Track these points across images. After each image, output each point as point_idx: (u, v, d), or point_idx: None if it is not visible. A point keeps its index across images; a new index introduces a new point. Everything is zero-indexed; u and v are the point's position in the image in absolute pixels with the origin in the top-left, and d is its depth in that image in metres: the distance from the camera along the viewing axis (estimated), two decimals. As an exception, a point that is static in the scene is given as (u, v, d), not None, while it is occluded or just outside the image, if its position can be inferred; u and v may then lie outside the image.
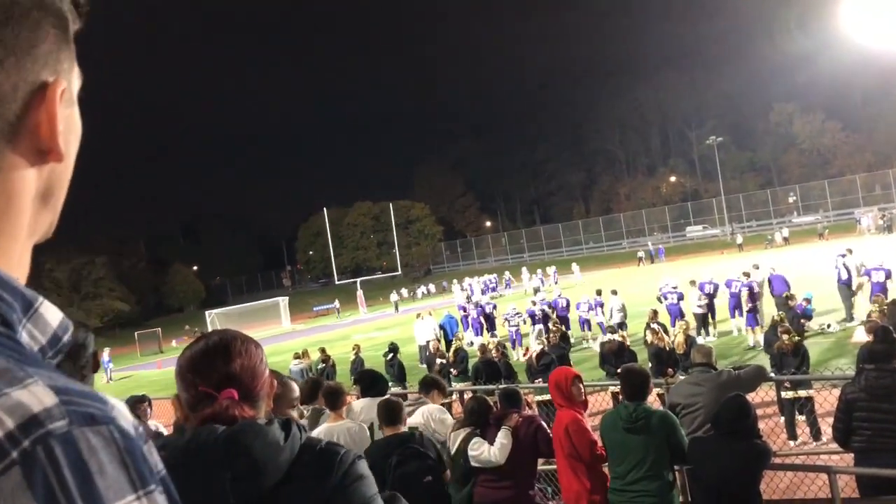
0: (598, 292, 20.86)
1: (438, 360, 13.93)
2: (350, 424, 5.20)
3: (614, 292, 20.25)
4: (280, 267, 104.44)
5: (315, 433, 5.16)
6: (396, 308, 48.47)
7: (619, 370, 5.73)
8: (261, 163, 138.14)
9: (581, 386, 5.23)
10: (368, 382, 6.38)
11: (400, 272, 66.51)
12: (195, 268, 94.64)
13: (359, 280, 56.95)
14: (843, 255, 17.72)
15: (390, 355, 15.38)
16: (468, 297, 33.24)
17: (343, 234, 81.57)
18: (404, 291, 54.01)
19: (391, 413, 4.82)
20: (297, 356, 16.47)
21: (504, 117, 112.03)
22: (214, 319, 50.51)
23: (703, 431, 5.30)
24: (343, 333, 36.48)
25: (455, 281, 49.18)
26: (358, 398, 6.49)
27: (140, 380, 32.32)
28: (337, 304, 53.93)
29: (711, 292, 18.04)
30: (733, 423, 4.50)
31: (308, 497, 1.53)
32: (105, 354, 34.24)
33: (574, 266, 49.69)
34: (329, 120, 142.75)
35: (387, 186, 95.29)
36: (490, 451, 5.02)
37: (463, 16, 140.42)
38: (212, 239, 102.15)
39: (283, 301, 54.94)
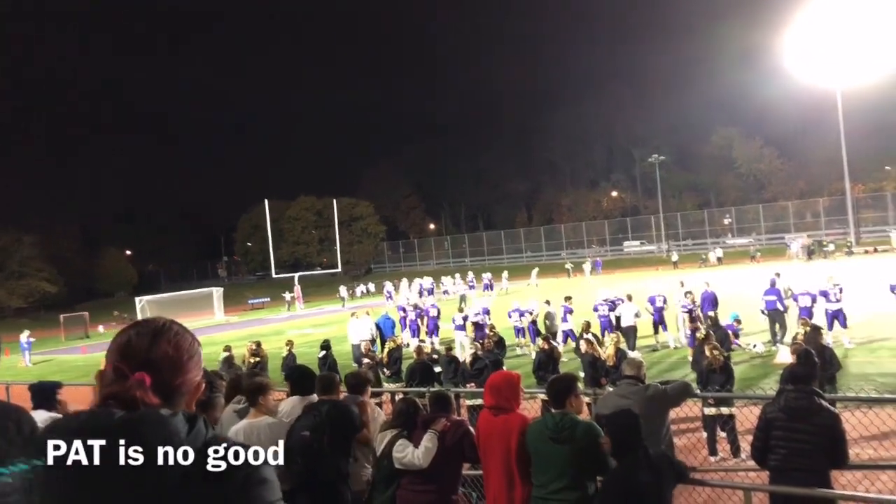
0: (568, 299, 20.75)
1: (365, 360, 13.78)
2: (270, 420, 5.07)
3: (547, 302, 20.55)
4: (217, 257, 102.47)
5: (234, 429, 5.02)
6: (343, 304, 48.65)
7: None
8: (203, 150, 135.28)
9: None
10: (298, 379, 6.26)
11: (340, 269, 65.92)
12: (128, 253, 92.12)
13: (297, 275, 56.15)
14: (776, 281, 18.11)
15: (323, 352, 15.28)
16: (408, 298, 33.32)
17: (284, 227, 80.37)
18: (343, 289, 53.39)
19: (323, 384, 5.59)
20: (226, 349, 16.28)
21: (453, 122, 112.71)
22: (145, 306, 49.13)
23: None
24: (277, 328, 35.95)
25: (399, 281, 49.05)
26: (288, 395, 6.36)
27: (62, 364, 31.14)
28: (287, 295, 52.52)
29: (661, 306, 18.71)
30: (623, 439, 4.48)
31: (207, 498, 1.43)
32: (24, 336, 32.95)
33: (534, 271, 53.25)
34: (275, 112, 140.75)
35: (332, 182, 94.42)
36: (414, 453, 4.96)
37: (419, 21, 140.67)
38: (148, 225, 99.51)
39: (217, 291, 53.74)
